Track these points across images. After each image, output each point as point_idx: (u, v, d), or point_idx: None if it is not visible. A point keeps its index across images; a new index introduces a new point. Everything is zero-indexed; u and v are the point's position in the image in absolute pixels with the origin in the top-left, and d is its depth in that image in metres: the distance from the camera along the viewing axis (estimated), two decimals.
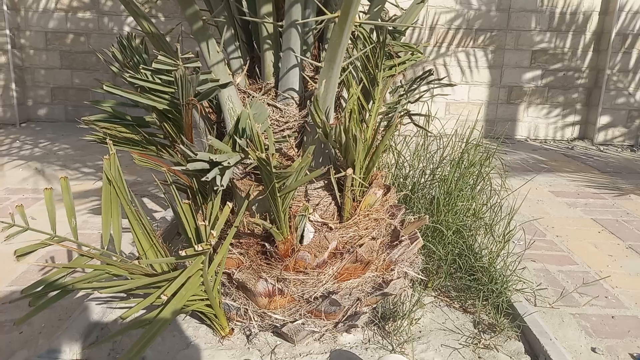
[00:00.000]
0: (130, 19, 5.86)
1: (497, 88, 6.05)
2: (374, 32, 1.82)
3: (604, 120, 5.92)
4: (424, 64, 5.88)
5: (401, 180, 2.69)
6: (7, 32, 5.68)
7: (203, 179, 1.32)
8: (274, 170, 1.32)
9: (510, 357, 1.79)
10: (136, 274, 1.49)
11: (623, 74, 5.77)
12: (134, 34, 1.88)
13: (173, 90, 1.50)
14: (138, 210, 1.57)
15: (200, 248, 1.17)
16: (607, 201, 3.80)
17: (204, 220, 1.31)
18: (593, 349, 1.89)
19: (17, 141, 5.16)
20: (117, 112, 1.85)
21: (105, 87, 1.50)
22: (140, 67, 1.45)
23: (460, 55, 5.94)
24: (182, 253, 1.18)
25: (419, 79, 1.95)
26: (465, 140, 2.41)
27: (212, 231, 1.23)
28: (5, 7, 5.61)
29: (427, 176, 2.52)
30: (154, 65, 1.41)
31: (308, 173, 1.44)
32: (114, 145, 1.90)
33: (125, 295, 1.99)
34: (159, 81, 1.55)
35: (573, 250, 2.82)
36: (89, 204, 3.31)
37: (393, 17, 1.86)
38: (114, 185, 1.50)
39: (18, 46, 5.91)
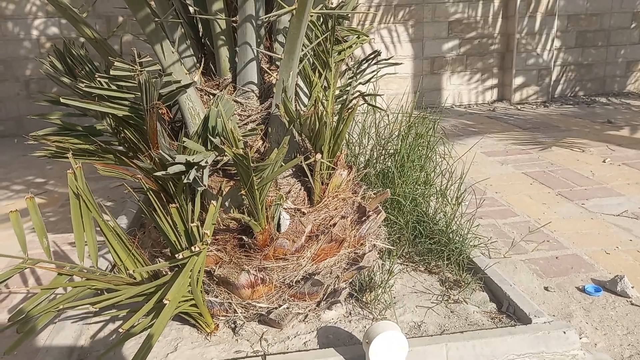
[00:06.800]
0: (38, 22, 5.47)
1: (421, 60, 6.32)
2: (320, 19, 1.87)
3: (518, 81, 6.38)
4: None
5: (352, 158, 2.80)
6: None
7: (185, 180, 1.32)
8: (252, 164, 1.36)
9: (479, 307, 1.97)
10: (120, 285, 1.47)
11: (530, 36, 6.24)
12: (72, 42, 1.80)
13: (133, 95, 1.47)
14: (111, 221, 1.54)
15: (197, 249, 1.19)
16: (533, 155, 4.16)
17: (192, 222, 1.31)
18: (546, 288, 2.11)
19: None
20: (67, 124, 1.78)
21: (62, 100, 1.44)
22: (96, 75, 1.41)
23: (383, 32, 6.13)
24: (180, 256, 1.19)
25: (365, 60, 2.04)
26: (410, 114, 2.55)
27: (206, 231, 1.25)
28: None
29: (378, 152, 2.64)
30: (112, 72, 1.38)
31: (283, 164, 1.48)
32: (64, 158, 1.83)
33: (97, 310, 1.94)
34: (115, 88, 1.52)
35: (512, 203, 3.09)
36: (30, 222, 3.12)
37: (340, 4, 1.92)
38: (83, 199, 1.47)
39: None
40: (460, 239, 2.27)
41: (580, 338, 1.78)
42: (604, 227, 2.69)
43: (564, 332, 1.73)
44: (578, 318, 1.91)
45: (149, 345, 1.29)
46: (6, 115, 5.67)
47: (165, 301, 1.21)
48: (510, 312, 1.91)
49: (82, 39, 1.90)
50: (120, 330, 1.22)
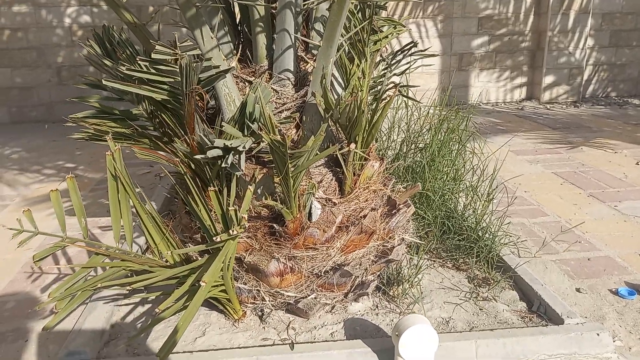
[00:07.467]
0: (70, 9, 5.56)
1: (449, 56, 6.24)
2: (357, 8, 1.86)
3: (548, 80, 6.25)
4: None
5: (382, 151, 2.78)
6: None
7: (222, 164, 1.33)
8: (288, 151, 1.35)
9: (508, 305, 1.94)
10: (154, 267, 1.49)
11: (563, 34, 6.10)
12: (113, 26, 1.83)
13: (172, 79, 1.49)
14: (146, 204, 1.56)
15: (235, 232, 1.20)
16: (563, 155, 4.07)
17: (228, 206, 1.32)
18: (577, 289, 2.07)
19: None
20: (105, 107, 1.81)
21: (104, 82, 1.46)
22: (137, 59, 1.42)
23: (412, 26, 6.06)
24: (218, 239, 1.20)
25: (400, 51, 2.01)
26: (442, 109, 2.52)
27: (243, 215, 1.25)
28: None
29: (409, 145, 2.61)
30: (153, 55, 1.39)
31: (318, 152, 1.48)
32: (101, 141, 1.86)
33: (128, 292, 1.97)
34: (154, 72, 1.53)
35: (542, 203, 3.03)
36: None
37: None
38: (121, 181, 1.49)
39: None
40: (490, 237, 2.23)
41: (614, 341, 1.74)
42: (637, 229, 2.62)
43: (598, 334, 1.69)
44: (611, 321, 1.86)
45: (183, 326, 1.31)
46: (38, 101, 5.80)
47: (201, 283, 1.21)
48: (541, 312, 1.87)
49: (114, 26, 1.93)
50: (157, 310, 1.24)
